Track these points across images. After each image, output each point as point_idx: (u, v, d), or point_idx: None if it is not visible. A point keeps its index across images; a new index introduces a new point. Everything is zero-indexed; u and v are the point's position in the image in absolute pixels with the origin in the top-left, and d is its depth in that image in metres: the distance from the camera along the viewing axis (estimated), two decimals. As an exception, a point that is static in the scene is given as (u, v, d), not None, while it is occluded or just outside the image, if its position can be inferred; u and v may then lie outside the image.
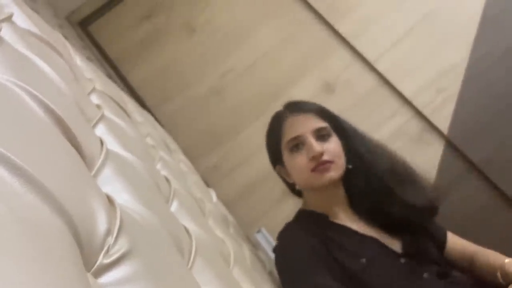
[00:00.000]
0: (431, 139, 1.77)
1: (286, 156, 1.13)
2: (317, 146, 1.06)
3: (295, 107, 1.18)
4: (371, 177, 1.12)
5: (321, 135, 1.10)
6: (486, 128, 1.72)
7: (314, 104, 1.20)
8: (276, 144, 1.16)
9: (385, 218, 1.10)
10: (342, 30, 1.94)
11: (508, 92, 1.75)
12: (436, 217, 1.17)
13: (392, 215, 1.09)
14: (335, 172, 1.07)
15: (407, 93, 1.81)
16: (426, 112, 1.78)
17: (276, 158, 1.18)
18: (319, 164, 1.06)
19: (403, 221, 1.10)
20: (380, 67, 1.86)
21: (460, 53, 1.82)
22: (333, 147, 1.09)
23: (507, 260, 1.05)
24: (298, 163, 1.09)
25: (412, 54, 1.86)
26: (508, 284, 0.98)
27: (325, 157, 1.06)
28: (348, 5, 1.97)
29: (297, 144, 1.09)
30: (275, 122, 1.19)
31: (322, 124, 1.12)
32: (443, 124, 1.75)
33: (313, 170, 1.06)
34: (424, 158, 1.74)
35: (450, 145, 1.73)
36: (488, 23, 1.83)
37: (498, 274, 1.02)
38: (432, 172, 1.71)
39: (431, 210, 1.14)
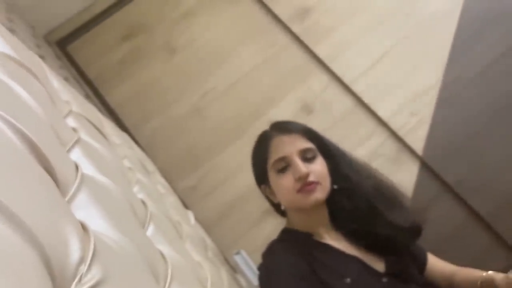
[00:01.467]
0: (406, 160, 1.80)
1: (272, 176, 1.13)
2: (303, 167, 1.07)
3: (281, 127, 1.19)
4: (356, 197, 1.13)
5: (307, 157, 1.11)
6: (459, 149, 1.77)
7: (300, 125, 1.21)
8: (262, 164, 1.16)
9: (369, 238, 1.11)
10: (320, 53, 1.98)
11: (480, 114, 1.81)
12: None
13: (377, 236, 1.09)
14: (321, 193, 1.08)
15: (382, 114, 1.85)
16: (401, 133, 1.82)
17: (261, 178, 1.18)
18: (305, 185, 1.06)
19: (388, 241, 1.10)
20: (356, 89, 1.90)
21: (433, 76, 1.88)
22: (319, 168, 1.10)
23: (484, 273, 1.07)
24: (284, 184, 1.09)
25: (387, 77, 1.91)
26: None
27: (311, 178, 1.07)
28: (326, 29, 2.02)
29: (283, 165, 1.10)
30: (261, 142, 1.19)
31: (308, 145, 1.13)
32: (418, 145, 1.79)
33: (299, 191, 1.07)
34: (400, 178, 1.76)
35: (425, 166, 1.77)
36: (459, 48, 1.90)
37: (479, 284, 1.04)
38: (408, 192, 1.73)
39: (416, 230, 1.15)
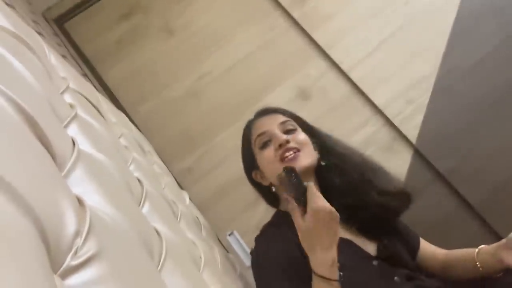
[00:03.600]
0: (400, 147, 1.81)
1: (257, 155, 1.15)
2: (282, 135, 1.11)
3: (261, 111, 1.25)
4: (346, 171, 1.15)
5: (287, 128, 1.14)
6: (452, 139, 1.78)
7: (279, 108, 1.25)
8: (249, 149, 1.19)
9: (362, 217, 1.11)
10: (318, 39, 1.97)
11: (474, 105, 1.82)
12: (403, 221, 1.20)
13: (369, 210, 1.10)
14: (305, 159, 1.09)
15: (378, 102, 1.86)
16: (396, 121, 1.82)
17: (251, 164, 1.19)
18: (286, 150, 1.08)
19: (380, 220, 1.11)
20: (354, 77, 1.90)
21: (429, 66, 1.89)
22: (299, 137, 1.13)
23: (477, 249, 1.09)
24: (267, 156, 1.11)
25: (384, 65, 1.91)
26: (486, 272, 1.02)
27: (291, 144, 1.09)
28: (325, 15, 2.01)
29: (265, 139, 1.13)
30: (246, 129, 1.24)
31: (287, 118, 1.18)
32: (412, 133, 1.80)
33: (282, 159, 1.08)
34: (393, 166, 1.76)
35: (418, 154, 1.79)
36: (457, 39, 1.91)
37: (476, 251, 1.07)
38: (401, 180, 1.75)
39: (406, 196, 1.16)
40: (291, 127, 1.15)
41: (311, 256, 0.87)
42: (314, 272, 0.86)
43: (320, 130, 1.23)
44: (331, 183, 1.14)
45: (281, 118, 1.17)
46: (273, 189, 1.16)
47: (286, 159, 1.08)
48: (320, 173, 1.14)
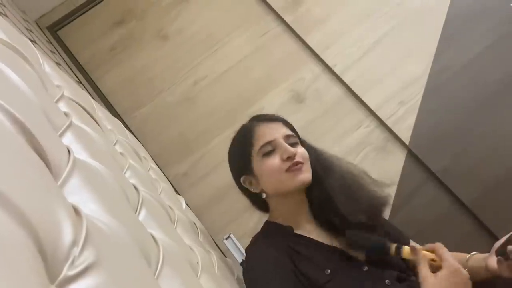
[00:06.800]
0: (394, 148, 1.82)
1: (257, 162, 1.14)
2: (291, 147, 1.12)
3: (263, 117, 1.24)
4: (332, 183, 1.16)
5: (292, 143, 1.15)
6: (445, 139, 1.80)
7: (279, 116, 1.25)
8: (246, 153, 1.17)
9: (349, 226, 1.12)
10: (311, 42, 1.98)
11: (465, 105, 1.84)
12: (398, 223, 1.20)
13: (356, 218, 1.10)
14: (308, 173, 1.12)
15: (371, 104, 1.87)
16: (389, 122, 1.84)
17: (243, 168, 1.18)
18: (293, 164, 1.10)
19: (367, 221, 1.12)
20: (346, 79, 1.92)
21: (421, 67, 1.90)
22: (302, 151, 1.15)
23: (468, 255, 1.11)
24: (271, 164, 1.11)
25: (376, 67, 1.93)
26: (473, 278, 1.03)
27: (298, 158, 1.11)
28: (317, 19, 2.02)
29: (270, 148, 1.13)
30: (245, 132, 1.21)
31: (290, 132, 1.19)
32: (405, 134, 1.82)
33: (288, 170, 1.10)
34: (388, 167, 1.80)
35: (411, 154, 1.80)
36: (448, 40, 1.92)
37: (466, 270, 1.07)
38: (395, 180, 1.76)
39: (382, 200, 1.17)
40: (294, 141, 1.17)
41: None
42: None
43: (308, 144, 1.24)
44: (319, 195, 1.15)
45: (285, 129, 1.18)
46: (263, 196, 1.17)
47: (292, 170, 1.10)
48: (309, 185, 1.15)
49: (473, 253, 1.12)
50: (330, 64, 1.94)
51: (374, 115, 1.86)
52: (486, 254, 1.07)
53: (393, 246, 1.01)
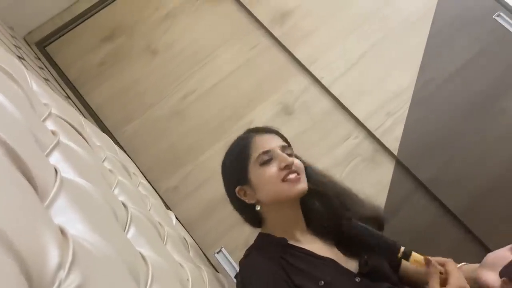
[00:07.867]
0: (382, 159, 1.84)
1: (254, 171, 1.14)
2: (288, 156, 1.14)
3: (259, 129, 1.26)
4: (325, 195, 1.19)
5: (287, 153, 1.17)
6: (432, 149, 1.82)
7: (274, 128, 1.27)
8: (243, 163, 1.17)
9: (341, 237, 1.14)
10: (299, 56, 2.00)
11: (451, 115, 1.86)
12: (388, 233, 1.21)
13: (347, 231, 1.12)
14: (304, 184, 1.13)
15: (360, 115, 1.89)
16: (377, 133, 1.86)
17: (239, 179, 1.18)
18: (290, 172, 1.11)
19: (358, 239, 1.13)
20: (334, 91, 1.94)
21: (407, 78, 1.93)
22: (298, 162, 1.16)
23: (458, 265, 1.11)
24: (268, 173, 1.12)
25: (363, 79, 1.95)
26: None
27: (294, 168, 1.13)
28: (304, 33, 2.04)
29: (267, 158, 1.14)
30: (241, 143, 1.22)
31: (286, 143, 1.22)
32: (393, 145, 1.83)
33: (284, 179, 1.11)
34: (377, 177, 1.81)
35: (400, 164, 1.81)
36: (432, 51, 1.96)
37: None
38: (384, 190, 1.78)
39: (380, 221, 1.20)
40: (290, 152, 1.18)
41: None
42: None
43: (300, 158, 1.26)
44: (312, 206, 1.18)
45: (281, 141, 1.20)
46: (257, 208, 1.17)
47: (290, 180, 1.11)
48: (303, 197, 1.16)
49: (463, 263, 1.12)
50: (318, 77, 1.96)
51: (362, 126, 1.88)
52: (477, 265, 1.07)
53: (402, 249, 1.01)
